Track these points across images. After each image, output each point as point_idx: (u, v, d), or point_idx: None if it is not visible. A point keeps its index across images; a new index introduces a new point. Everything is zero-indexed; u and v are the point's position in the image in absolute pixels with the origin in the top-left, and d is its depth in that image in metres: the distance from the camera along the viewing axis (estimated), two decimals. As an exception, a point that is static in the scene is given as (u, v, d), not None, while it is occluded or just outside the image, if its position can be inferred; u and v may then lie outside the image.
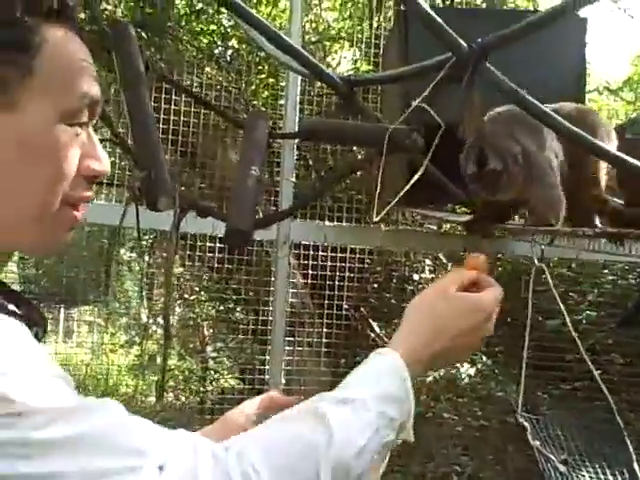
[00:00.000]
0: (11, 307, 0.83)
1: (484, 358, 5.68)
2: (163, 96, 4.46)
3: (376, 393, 0.99)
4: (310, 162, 5.32)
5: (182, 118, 4.67)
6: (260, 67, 5.69)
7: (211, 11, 5.64)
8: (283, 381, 4.48)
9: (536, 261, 2.86)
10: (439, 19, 2.24)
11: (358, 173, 3.66)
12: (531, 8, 7.04)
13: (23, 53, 0.85)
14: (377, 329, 5.67)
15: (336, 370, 5.47)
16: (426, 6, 2.27)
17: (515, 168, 2.43)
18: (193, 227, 2.80)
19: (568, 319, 2.79)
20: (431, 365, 1.12)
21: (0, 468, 0.68)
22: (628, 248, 2.14)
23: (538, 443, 2.79)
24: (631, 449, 2.64)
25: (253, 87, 5.64)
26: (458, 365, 5.59)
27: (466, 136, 2.24)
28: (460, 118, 2.24)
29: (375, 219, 2.06)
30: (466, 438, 5.30)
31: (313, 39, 6.37)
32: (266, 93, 5.76)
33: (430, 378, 5.48)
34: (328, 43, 6.47)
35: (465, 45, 2.23)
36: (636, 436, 4.90)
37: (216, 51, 5.76)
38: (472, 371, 5.56)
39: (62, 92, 0.88)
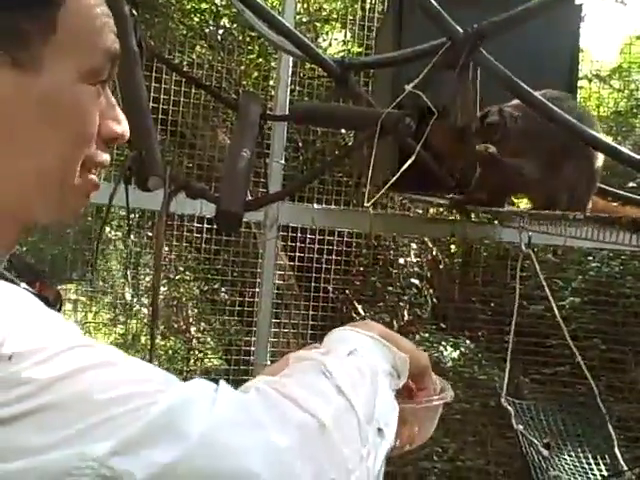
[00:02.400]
0: (23, 285, 0.79)
1: (467, 342, 5.72)
2: (153, 75, 4.42)
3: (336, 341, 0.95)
4: (300, 144, 5.30)
5: (171, 97, 4.63)
6: (250, 47, 5.65)
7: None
8: (268, 362, 4.49)
9: (523, 247, 2.88)
10: (435, 3, 2.24)
11: (347, 155, 3.65)
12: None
13: (46, 7, 0.80)
14: (362, 311, 5.69)
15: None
16: (421, -11, 2.27)
17: (513, 126, 2.47)
18: (180, 207, 2.78)
19: (554, 304, 2.82)
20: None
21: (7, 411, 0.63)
22: (615, 235, 2.15)
23: (521, 427, 2.82)
24: (612, 433, 2.68)
25: (243, 67, 5.60)
26: (442, 348, 5.63)
27: (459, 122, 2.24)
28: (453, 104, 2.24)
29: (367, 204, 2.06)
30: (448, 420, 5.33)
31: (304, 20, 6.33)
32: (256, 73, 5.72)
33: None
34: (319, 24, 6.43)
35: (461, 30, 2.23)
36: (615, 420, 4.98)
37: (207, 30, 5.71)
38: (455, 354, 5.59)
39: (86, 49, 0.83)
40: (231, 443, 0.68)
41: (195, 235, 4.77)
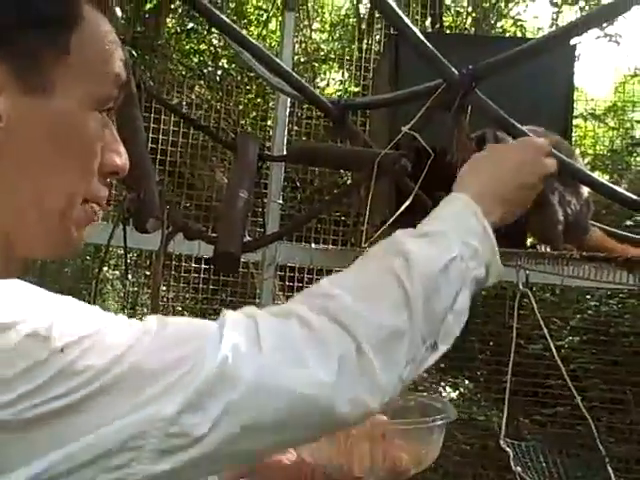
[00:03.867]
0: None
1: (466, 382, 5.68)
2: (152, 115, 4.46)
3: (453, 226, 0.92)
4: (297, 183, 5.33)
5: (170, 137, 4.67)
6: (249, 87, 5.71)
7: (201, 30, 5.66)
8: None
9: (521, 286, 2.86)
10: (430, 45, 2.26)
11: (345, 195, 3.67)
12: (519, 34, 7.13)
13: (62, 29, 0.78)
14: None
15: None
16: (417, 31, 2.29)
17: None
18: (178, 247, 2.78)
19: (552, 344, 2.80)
20: (498, 204, 0.99)
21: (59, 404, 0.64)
22: (612, 275, 2.14)
23: (520, 469, 2.78)
24: (612, 475, 2.64)
25: (241, 107, 5.65)
26: (440, 389, 5.58)
27: (455, 161, 2.25)
28: (450, 144, 2.25)
29: (364, 244, 2.07)
30: (447, 462, 5.28)
31: (302, 60, 6.41)
32: (254, 113, 5.77)
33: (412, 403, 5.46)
34: (317, 64, 6.51)
35: (456, 72, 2.25)
36: (616, 462, 4.92)
37: (206, 70, 5.77)
38: (454, 395, 5.56)
39: (97, 74, 0.81)
40: (277, 383, 0.72)
41: (193, 275, 4.77)
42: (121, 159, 0.85)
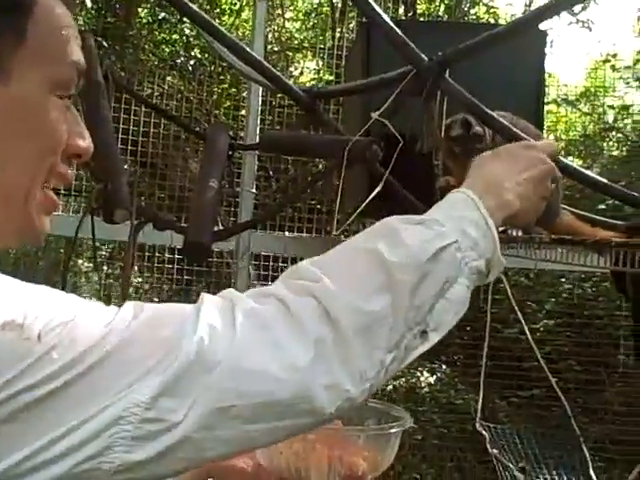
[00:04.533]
0: None
1: (443, 366, 5.72)
2: (123, 106, 4.42)
3: (451, 215, 0.89)
4: (271, 172, 5.31)
5: (142, 128, 4.63)
6: (222, 77, 5.68)
7: (173, 20, 5.61)
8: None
9: (495, 271, 2.89)
10: (400, 32, 2.26)
11: (318, 183, 3.67)
12: (492, 21, 7.15)
13: (17, 14, 0.78)
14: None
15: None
16: (387, 19, 2.29)
17: (496, 137, 2.44)
18: (152, 238, 2.76)
19: (526, 327, 2.83)
20: (505, 204, 0.96)
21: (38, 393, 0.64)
22: (583, 258, 2.16)
23: (496, 451, 2.81)
24: (587, 455, 2.67)
25: (215, 97, 5.62)
26: (418, 374, 5.61)
27: (425, 149, 2.25)
28: (420, 130, 2.25)
29: (335, 232, 2.06)
30: (426, 446, 5.31)
31: (276, 49, 6.38)
32: (228, 103, 5.74)
33: (389, 387, 5.50)
34: (291, 53, 6.49)
35: (426, 58, 2.25)
36: (591, 442, 4.99)
37: (178, 60, 5.73)
38: (432, 379, 5.59)
39: (54, 60, 0.81)
40: (253, 367, 0.72)
41: (167, 266, 4.74)
42: (84, 141, 0.85)
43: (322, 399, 0.74)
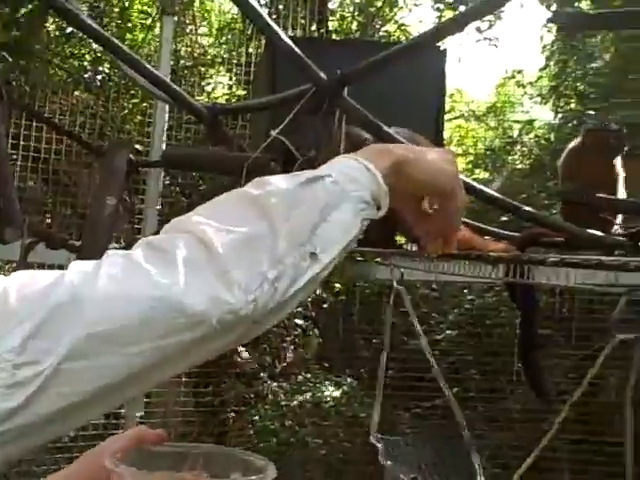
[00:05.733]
0: None
1: (349, 380, 5.75)
2: (28, 123, 4.33)
3: (328, 165, 0.89)
4: (177, 188, 5.29)
5: (48, 145, 4.54)
6: (132, 92, 5.62)
7: (81, 35, 5.52)
8: (141, 413, 4.36)
9: (395, 284, 2.93)
10: (299, 50, 2.29)
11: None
12: (403, 38, 7.31)
13: None
14: (245, 354, 5.64)
15: (200, 400, 5.40)
16: (286, 38, 2.32)
17: None
18: (48, 258, 2.67)
19: (425, 340, 2.88)
20: (394, 153, 0.94)
21: None
22: (479, 270, 2.24)
23: (389, 463, 2.84)
24: (476, 463, 2.73)
25: (125, 112, 5.56)
26: (323, 388, 5.61)
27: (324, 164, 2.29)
28: (319, 147, 2.29)
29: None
30: (330, 460, 5.33)
31: (188, 64, 6.36)
32: (139, 117, 5.69)
33: (295, 402, 5.49)
34: (204, 68, 6.47)
35: (324, 76, 2.29)
36: (491, 449, 5.10)
37: (86, 75, 5.64)
38: (337, 393, 5.61)
39: None
40: (121, 293, 0.72)
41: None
42: None
43: (200, 311, 0.74)
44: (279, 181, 0.85)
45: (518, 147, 6.88)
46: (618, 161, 2.74)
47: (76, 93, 5.36)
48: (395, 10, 7.81)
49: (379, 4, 7.58)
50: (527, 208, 2.65)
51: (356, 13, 7.54)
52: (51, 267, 4.40)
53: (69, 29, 5.47)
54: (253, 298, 0.77)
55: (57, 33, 5.72)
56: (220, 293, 0.75)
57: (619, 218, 2.72)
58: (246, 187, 0.86)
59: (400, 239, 2.90)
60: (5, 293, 0.72)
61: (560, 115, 6.61)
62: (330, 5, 7.31)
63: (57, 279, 0.73)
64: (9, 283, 0.74)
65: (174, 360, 0.78)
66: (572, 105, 6.54)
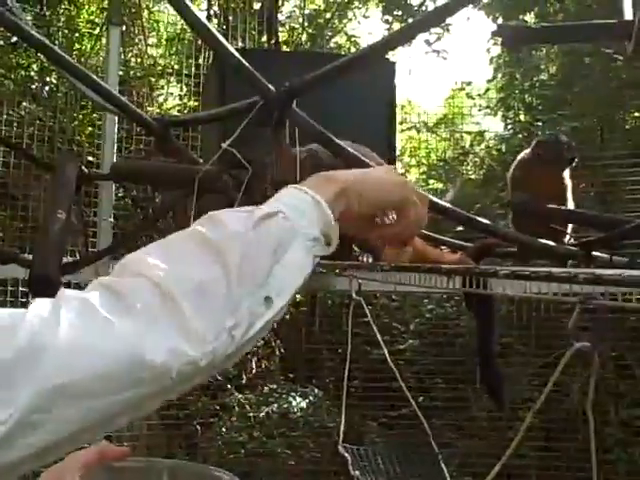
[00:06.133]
0: None
1: (316, 390, 5.76)
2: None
3: (273, 199, 0.89)
4: (130, 201, 5.23)
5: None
6: (83, 103, 5.54)
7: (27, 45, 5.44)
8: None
9: (354, 294, 2.94)
10: (247, 63, 2.28)
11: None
12: (353, 49, 7.35)
13: None
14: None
15: (164, 412, 5.34)
16: (233, 50, 2.31)
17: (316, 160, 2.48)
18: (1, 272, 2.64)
19: (385, 350, 2.89)
20: (341, 182, 0.95)
21: None
22: (433, 281, 2.24)
23: (358, 473, 2.85)
24: (445, 471, 2.75)
25: (75, 123, 5.48)
26: (290, 398, 5.61)
27: (276, 176, 2.29)
28: (269, 160, 2.29)
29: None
30: (299, 471, 5.32)
31: (139, 74, 6.30)
32: (89, 129, 5.61)
33: (262, 414, 5.48)
34: (154, 79, 6.42)
35: (273, 89, 2.29)
36: (459, 456, 5.14)
37: (33, 86, 5.55)
38: (304, 404, 5.61)
39: None
40: (81, 344, 0.71)
41: (21, 300, 4.53)
42: None
43: (160, 364, 0.73)
44: (233, 222, 0.84)
45: (470, 157, 6.97)
46: (566, 172, 2.79)
47: (24, 104, 5.26)
48: (344, 22, 7.87)
49: (328, 15, 7.62)
50: (480, 219, 2.69)
51: (306, 24, 7.57)
52: (2, 282, 4.34)
53: (14, 38, 5.37)
54: (212, 349, 0.77)
55: (1, 43, 5.62)
56: (180, 345, 0.74)
57: (569, 228, 2.77)
58: (199, 227, 0.85)
59: (356, 249, 2.92)
60: None
61: (510, 126, 6.72)
62: (280, 17, 7.34)
63: (16, 321, 0.71)
64: None
65: (130, 411, 0.77)
66: (521, 116, 6.65)
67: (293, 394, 5.69)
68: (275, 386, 5.79)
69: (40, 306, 0.73)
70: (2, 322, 0.71)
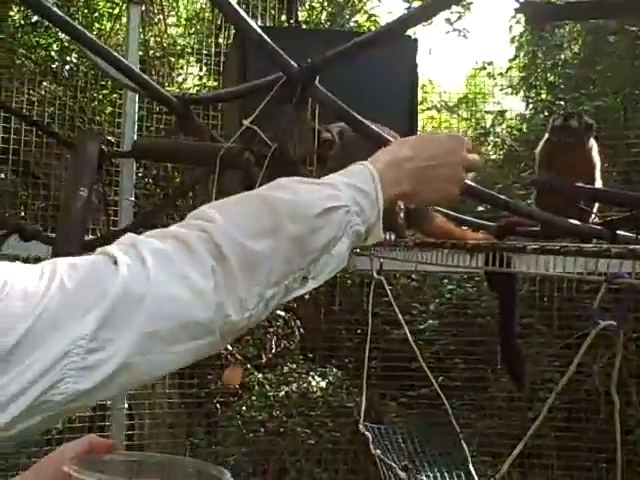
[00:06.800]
0: None
1: (335, 370, 5.76)
2: (2, 114, 4.26)
3: (345, 181, 0.97)
4: (150, 180, 5.23)
5: (15, 136, 4.47)
6: (103, 82, 5.54)
7: (48, 24, 5.44)
8: (126, 405, 4.35)
9: (374, 274, 2.93)
10: (269, 40, 2.27)
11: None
12: (373, 28, 7.28)
13: None
14: (229, 346, 5.62)
15: (185, 391, 5.37)
16: (256, 27, 2.30)
17: (345, 139, 2.48)
18: (24, 250, 2.65)
19: (406, 329, 2.89)
20: (406, 182, 1.05)
21: None
22: (457, 259, 2.23)
23: (379, 452, 2.85)
24: (466, 450, 2.75)
25: (95, 103, 5.48)
26: (310, 378, 5.61)
27: (297, 154, 2.28)
28: (291, 137, 2.27)
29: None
30: (319, 450, 5.35)
31: (158, 54, 6.28)
32: (110, 109, 5.61)
33: (282, 393, 5.50)
34: (173, 59, 6.40)
35: (295, 65, 2.27)
36: (478, 436, 5.15)
37: (53, 65, 5.55)
38: (323, 384, 5.62)
39: None
40: (169, 294, 0.79)
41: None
42: None
43: (210, 319, 0.82)
44: (303, 199, 0.91)
45: (491, 138, 6.91)
46: (595, 149, 2.74)
47: (45, 84, 5.27)
48: (364, 0, 7.78)
49: (348, -6, 7.54)
50: (503, 197, 2.66)
51: (325, 3, 7.50)
52: (26, 260, 4.36)
53: (35, 18, 5.37)
54: (249, 315, 0.85)
55: (22, 22, 5.62)
56: (226, 307, 0.83)
57: (595, 207, 2.73)
58: (273, 192, 0.92)
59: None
60: (56, 276, 0.75)
61: (531, 106, 6.65)
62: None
63: (107, 265, 0.79)
64: (60, 267, 0.77)
65: (190, 360, 0.85)
66: (543, 96, 6.57)
67: (312, 374, 5.70)
68: (295, 366, 5.80)
69: (123, 256, 0.80)
70: (98, 266, 0.79)
